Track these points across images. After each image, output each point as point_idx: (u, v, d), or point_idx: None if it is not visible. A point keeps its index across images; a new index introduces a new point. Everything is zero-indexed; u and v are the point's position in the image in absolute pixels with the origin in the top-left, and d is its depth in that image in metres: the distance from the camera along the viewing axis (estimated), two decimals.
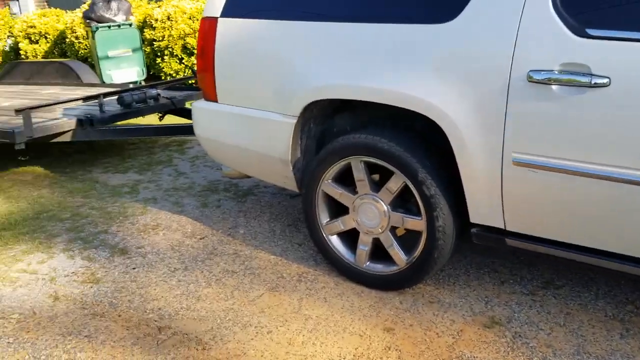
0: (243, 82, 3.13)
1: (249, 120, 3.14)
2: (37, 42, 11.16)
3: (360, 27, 2.62)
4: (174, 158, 5.32)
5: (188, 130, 4.92)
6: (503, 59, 2.26)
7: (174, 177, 4.75)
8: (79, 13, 10.13)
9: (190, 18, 8.94)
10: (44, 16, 11.33)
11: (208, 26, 3.26)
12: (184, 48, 8.96)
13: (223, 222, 3.75)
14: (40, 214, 4.04)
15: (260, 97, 3.06)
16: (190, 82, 6.09)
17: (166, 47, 9.01)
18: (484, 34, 2.31)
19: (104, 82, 7.78)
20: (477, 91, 2.33)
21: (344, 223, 2.93)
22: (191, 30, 8.85)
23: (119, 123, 5.43)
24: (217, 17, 3.21)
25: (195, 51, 8.88)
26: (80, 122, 4.64)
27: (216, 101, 3.31)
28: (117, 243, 3.51)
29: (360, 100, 2.72)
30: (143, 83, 8.95)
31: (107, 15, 8.35)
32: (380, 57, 2.56)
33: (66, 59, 7.92)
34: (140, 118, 5.57)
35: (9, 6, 13.22)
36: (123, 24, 8.51)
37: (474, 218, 2.54)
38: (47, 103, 4.55)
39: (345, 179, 2.91)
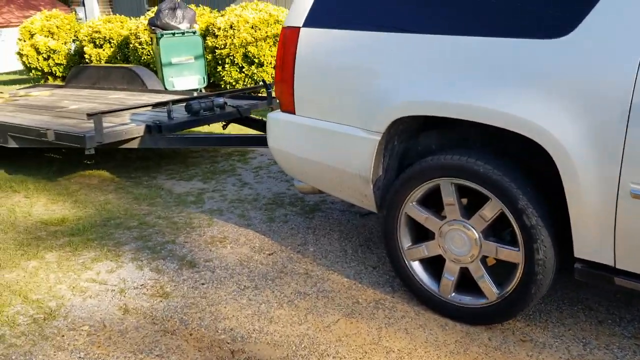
0: (324, 94, 3.00)
1: (329, 135, 3.00)
2: (101, 46, 11.43)
3: (460, 41, 2.44)
4: (237, 167, 5.24)
5: (258, 141, 4.81)
6: (623, 80, 2.04)
7: (239, 188, 4.66)
8: (143, 20, 10.31)
9: (252, 27, 8.95)
10: (109, 22, 11.59)
11: (289, 36, 3.15)
12: (245, 57, 8.97)
13: (292, 238, 3.62)
14: (108, 220, 4.01)
15: (342, 110, 2.92)
16: (256, 91, 6.02)
17: (227, 56, 9.04)
18: (602, 52, 2.09)
19: (166, 89, 7.81)
20: (592, 115, 2.12)
21: (429, 249, 2.74)
22: (253, 39, 8.85)
23: (185, 131, 5.40)
24: (300, 27, 3.09)
25: (255, 60, 8.87)
26: (148, 128, 4.61)
27: (294, 113, 3.19)
28: (185, 255, 3.42)
29: (452, 119, 2.54)
30: (204, 91, 8.99)
31: (172, 23, 8.43)
32: (482, 74, 2.37)
33: (132, 65, 8.02)
34: (205, 126, 5.53)
35: (75, 11, 13.62)
36: (187, 32, 8.58)
37: (579, 252, 2.31)
38: (119, 108, 4.54)
39: (431, 202, 2.73)
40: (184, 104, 4.97)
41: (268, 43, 8.87)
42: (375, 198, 2.95)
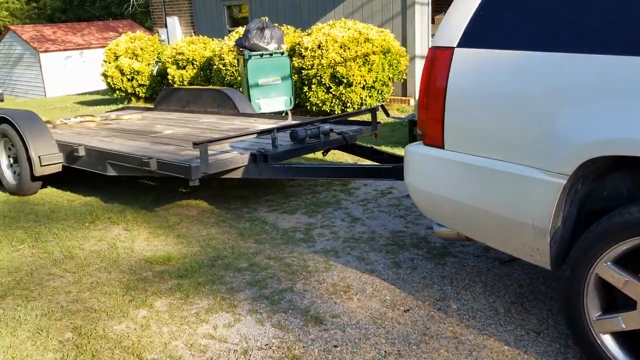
0: (486, 126, 2.52)
1: (491, 175, 2.51)
2: (184, 67, 11.42)
3: None
4: (341, 199, 4.82)
5: (372, 173, 4.34)
6: None
7: (349, 224, 4.23)
8: (227, 41, 10.19)
9: (341, 47, 8.60)
10: (192, 43, 11.59)
11: (440, 57, 2.69)
12: (333, 77, 8.62)
13: (427, 291, 3.13)
14: (215, 260, 3.66)
15: (510, 146, 2.43)
16: (348, 116, 5.60)
17: (315, 76, 8.72)
18: None
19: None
20: None
21: (627, 321, 2.19)
22: (342, 59, 8.49)
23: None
24: (453, 47, 2.64)
25: (344, 80, 8.50)
26: (253, 157, 4.27)
27: (442, 147, 2.73)
28: (307, 307, 3.00)
29: None
30: (289, 113, 8.70)
31: (260, 44, 8.20)
32: None
33: (223, 87, 7.82)
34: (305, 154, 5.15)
35: (158, 33, 13.78)
36: (275, 52, 8.32)
37: None
38: (226, 136, 4.22)
39: (631, 261, 2.19)
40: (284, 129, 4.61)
41: (357, 63, 8.49)
42: (550, 253, 2.42)
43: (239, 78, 9.68)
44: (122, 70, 12.29)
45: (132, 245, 4.00)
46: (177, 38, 13.34)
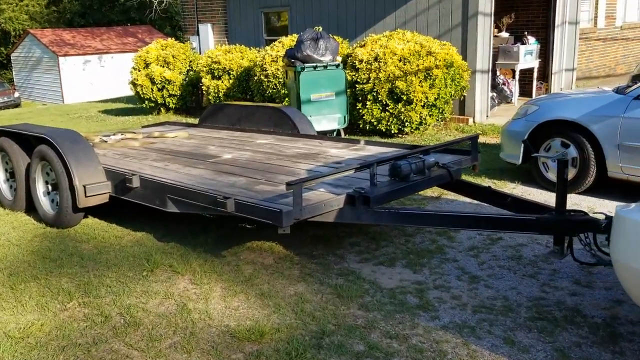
0: None
1: None
2: (219, 77, 10.70)
3: None
4: (443, 245, 4.04)
5: (520, 225, 3.37)
6: None
7: (469, 284, 3.44)
8: (270, 51, 9.46)
9: (400, 60, 7.84)
10: (228, 52, 10.87)
11: None
12: (391, 93, 7.85)
13: None
14: (320, 337, 2.88)
15: None
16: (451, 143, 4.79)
17: (370, 91, 7.96)
18: None
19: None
20: None
21: None
22: (402, 73, 7.73)
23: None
24: None
25: (403, 97, 7.73)
26: (351, 199, 3.50)
27: None
28: None
29: None
30: (343, 132, 7.94)
31: (314, 55, 7.45)
32: None
33: (280, 105, 7.07)
34: None
35: (190, 41, 13.09)
36: (330, 65, 7.58)
37: None
38: (321, 173, 3.46)
39: None
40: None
41: (419, 78, 7.72)
42: None
43: (283, 91, 8.96)
44: (153, 78, 11.58)
45: (207, 308, 3.23)
46: (209, 46, 12.64)
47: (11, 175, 5.34)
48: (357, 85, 8.09)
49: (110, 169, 4.49)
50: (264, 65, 9.29)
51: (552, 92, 11.36)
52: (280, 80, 9.04)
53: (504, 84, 10.63)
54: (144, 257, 3.97)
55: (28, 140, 5.05)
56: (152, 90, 11.66)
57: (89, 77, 27.75)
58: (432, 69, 7.73)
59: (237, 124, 6.54)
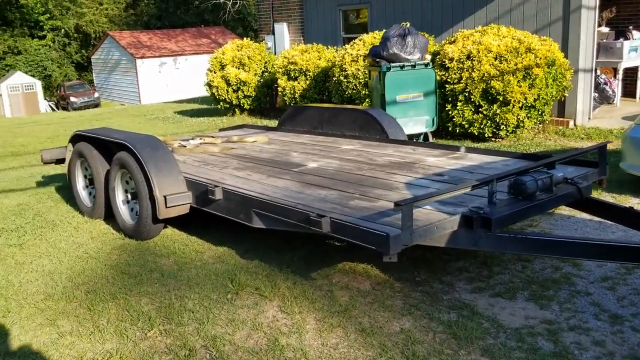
0: None
1: None
2: (295, 79, 10.36)
3: None
4: (570, 275, 3.44)
5: None
6: None
7: (611, 325, 2.85)
8: (350, 50, 9.00)
9: (496, 58, 7.19)
10: (305, 52, 10.52)
11: None
12: (485, 93, 7.21)
13: None
14: None
15: None
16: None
17: (462, 92, 7.35)
18: None
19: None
20: None
21: None
22: (497, 72, 7.08)
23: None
24: None
25: (499, 98, 7.07)
26: (467, 220, 2.98)
27: None
28: None
29: None
30: (430, 136, 7.37)
31: (401, 54, 6.94)
32: None
33: (367, 107, 6.61)
34: None
35: (265, 40, 12.86)
36: (418, 64, 7.04)
37: None
38: (436, 191, 2.97)
39: None
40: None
41: (517, 77, 7.04)
42: None
43: (364, 91, 8.49)
44: (228, 80, 11.41)
45: (301, 345, 2.81)
46: (284, 46, 12.35)
47: (90, 182, 5.16)
48: (446, 86, 7.50)
49: (192, 178, 4.17)
50: (344, 65, 8.85)
51: None
52: (360, 80, 8.57)
53: (605, 83, 9.71)
54: (228, 277, 3.61)
55: (107, 146, 4.84)
56: (228, 91, 11.50)
57: (165, 79, 28.35)
58: (532, 68, 7.03)
59: (318, 128, 6.13)
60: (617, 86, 9.60)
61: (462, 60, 7.38)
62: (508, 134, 7.39)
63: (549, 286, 3.33)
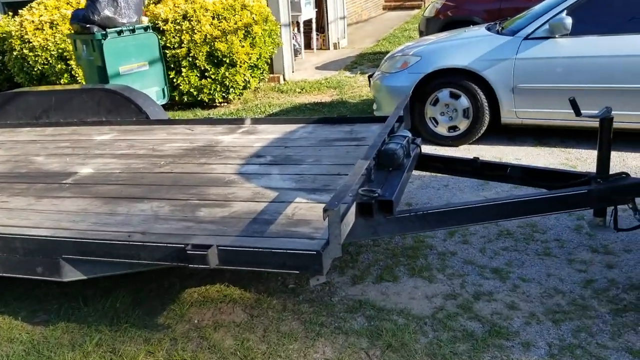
0: None
1: None
2: None
3: None
4: (419, 238, 3.37)
5: (578, 201, 2.72)
6: None
7: (502, 282, 2.88)
8: (28, 15, 7.18)
9: (214, 17, 6.64)
10: None
11: None
12: (210, 56, 6.64)
13: None
14: None
15: None
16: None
17: (185, 57, 6.62)
18: None
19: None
20: None
21: None
22: (219, 32, 6.57)
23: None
24: None
25: (225, 60, 6.61)
26: (364, 208, 2.56)
27: None
28: None
29: None
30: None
31: (117, 17, 5.79)
32: None
33: (112, 85, 5.24)
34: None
35: None
36: (137, 28, 6.00)
37: None
38: (348, 183, 2.40)
39: None
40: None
41: (238, 36, 6.65)
42: None
43: (59, 65, 6.94)
44: None
45: None
46: None
47: None
48: (166, 51, 6.64)
49: None
50: (25, 36, 7.04)
51: (329, 42, 11.29)
52: (52, 53, 6.96)
53: (293, 37, 10.14)
54: None
55: None
56: None
57: None
58: (251, 25, 6.73)
59: (43, 118, 4.71)
60: (301, 39, 10.14)
61: (178, 21, 6.62)
62: (236, 97, 7.04)
63: (414, 255, 3.20)
